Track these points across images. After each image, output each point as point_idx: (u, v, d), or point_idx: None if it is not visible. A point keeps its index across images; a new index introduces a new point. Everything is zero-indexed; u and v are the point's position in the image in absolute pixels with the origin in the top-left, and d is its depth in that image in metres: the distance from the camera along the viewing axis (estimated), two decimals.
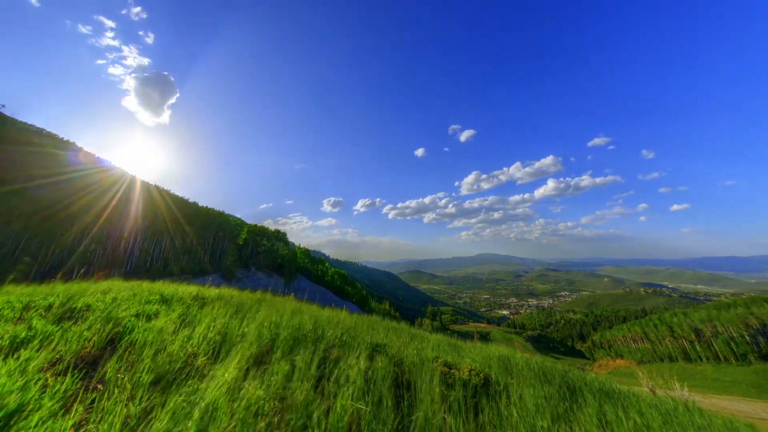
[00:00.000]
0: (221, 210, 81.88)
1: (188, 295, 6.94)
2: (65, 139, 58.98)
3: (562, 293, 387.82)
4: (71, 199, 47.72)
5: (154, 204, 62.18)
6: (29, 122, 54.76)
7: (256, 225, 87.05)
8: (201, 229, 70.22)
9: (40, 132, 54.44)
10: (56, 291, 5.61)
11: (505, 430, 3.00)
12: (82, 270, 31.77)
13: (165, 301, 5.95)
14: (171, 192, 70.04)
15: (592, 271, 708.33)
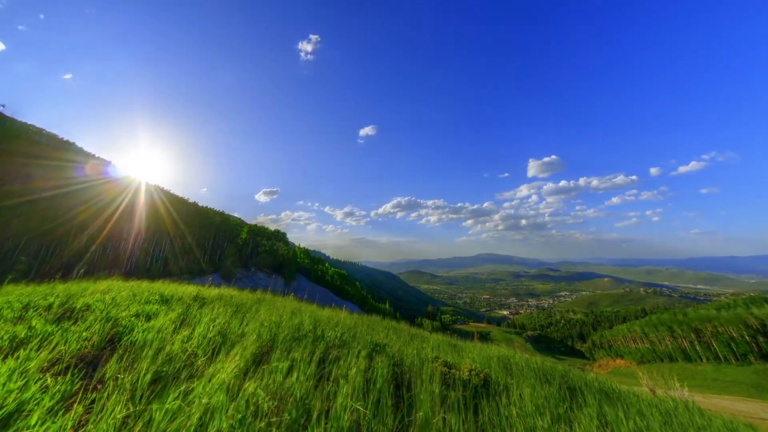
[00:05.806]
0: (220, 210, 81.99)
1: (188, 295, 6.95)
2: (65, 139, 58.99)
3: (562, 293, 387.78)
4: (71, 201, 47.73)
5: (154, 205, 62.19)
6: (29, 122, 54.80)
7: (255, 225, 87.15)
8: (201, 230, 70.25)
9: (39, 132, 54.41)
10: (56, 291, 5.62)
11: (505, 430, 3.00)
12: (82, 270, 31.78)
13: (165, 301, 5.95)
14: (171, 192, 70.10)
15: (592, 271, 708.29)
